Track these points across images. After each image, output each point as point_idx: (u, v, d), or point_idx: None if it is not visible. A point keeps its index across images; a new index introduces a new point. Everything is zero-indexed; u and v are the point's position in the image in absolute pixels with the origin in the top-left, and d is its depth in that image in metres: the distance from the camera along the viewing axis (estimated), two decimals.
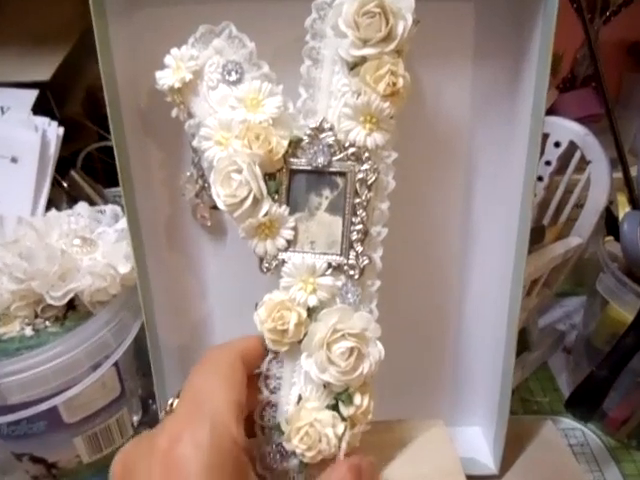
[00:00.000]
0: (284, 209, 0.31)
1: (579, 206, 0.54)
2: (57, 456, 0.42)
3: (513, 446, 0.46)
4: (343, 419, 0.30)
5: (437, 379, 0.46)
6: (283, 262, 0.31)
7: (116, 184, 0.38)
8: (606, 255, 0.47)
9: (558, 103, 0.66)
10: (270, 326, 0.30)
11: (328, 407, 0.30)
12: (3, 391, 0.37)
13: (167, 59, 0.32)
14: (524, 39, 0.35)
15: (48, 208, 0.52)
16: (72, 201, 0.59)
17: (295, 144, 0.31)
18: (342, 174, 0.31)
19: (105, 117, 0.35)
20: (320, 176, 0.31)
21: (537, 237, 0.50)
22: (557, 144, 0.53)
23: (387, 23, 0.28)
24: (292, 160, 0.31)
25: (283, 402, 0.31)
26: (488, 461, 0.45)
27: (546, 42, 0.33)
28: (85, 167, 0.66)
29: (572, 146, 0.52)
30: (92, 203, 0.60)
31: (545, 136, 0.54)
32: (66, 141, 0.67)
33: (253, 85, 0.31)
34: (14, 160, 0.50)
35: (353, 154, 0.30)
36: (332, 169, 0.31)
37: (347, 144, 0.30)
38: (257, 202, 0.30)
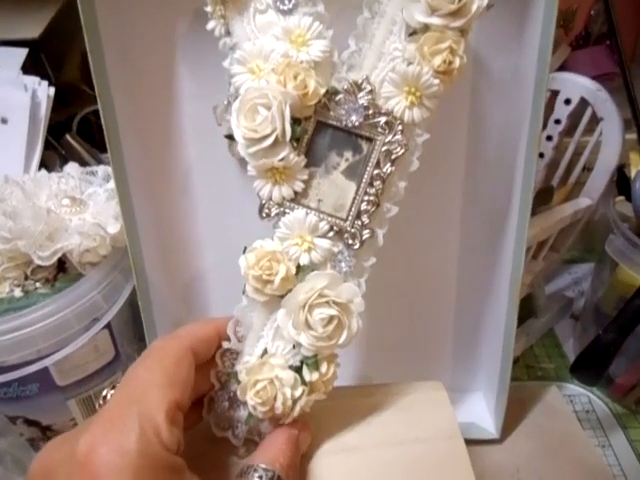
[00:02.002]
0: (301, 159, 0.29)
1: (589, 169, 0.52)
2: (51, 419, 0.42)
3: (516, 411, 0.45)
4: (303, 383, 0.29)
5: (438, 344, 0.45)
6: (284, 212, 0.30)
7: None
8: (616, 215, 0.45)
9: (571, 60, 0.63)
10: (256, 273, 0.29)
11: (291, 368, 0.29)
12: None
13: None
14: None
15: (40, 171, 0.50)
16: (66, 164, 0.58)
17: (330, 95, 0.29)
18: (369, 140, 0.29)
19: None
20: (346, 135, 0.30)
21: (545, 198, 0.48)
22: (567, 101, 0.51)
23: None
24: (323, 111, 0.29)
25: (246, 352, 0.31)
26: (489, 425, 0.44)
27: None
28: (81, 132, 0.65)
29: (583, 103, 0.50)
30: (88, 167, 0.59)
31: (555, 93, 0.51)
32: (63, 105, 0.65)
33: (304, 21, 0.29)
34: (4, 121, 0.49)
35: (387, 123, 0.29)
36: (361, 132, 0.29)
37: (383, 110, 0.29)
38: (277, 144, 0.28)
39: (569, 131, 0.53)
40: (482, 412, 0.45)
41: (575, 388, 0.51)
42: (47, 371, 0.39)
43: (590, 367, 0.43)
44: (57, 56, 0.63)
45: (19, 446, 0.42)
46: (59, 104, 0.61)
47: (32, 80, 0.50)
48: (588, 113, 0.50)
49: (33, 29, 0.53)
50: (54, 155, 0.57)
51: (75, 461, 0.21)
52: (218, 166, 0.40)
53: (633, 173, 0.45)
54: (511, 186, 0.37)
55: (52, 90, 0.51)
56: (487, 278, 0.41)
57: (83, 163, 0.59)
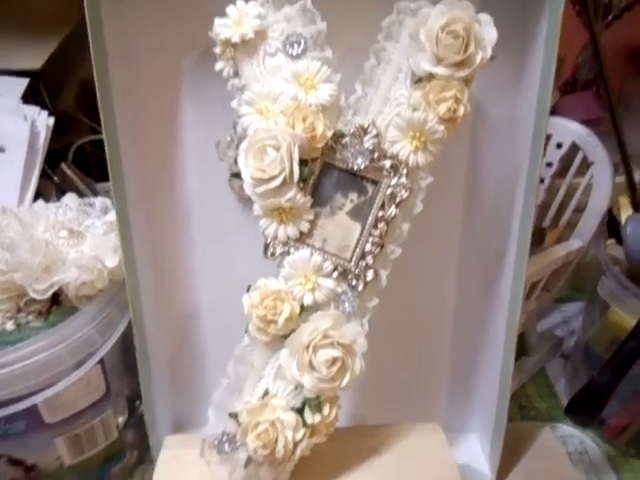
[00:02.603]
0: (308, 199, 0.30)
1: (580, 210, 0.53)
2: (37, 458, 0.40)
3: (510, 453, 0.44)
4: (305, 425, 0.29)
5: (434, 384, 0.45)
6: (289, 252, 0.30)
7: (107, 178, 0.37)
8: (608, 258, 0.46)
9: (559, 106, 0.65)
10: (261, 313, 0.29)
11: (293, 409, 0.29)
12: None
13: (230, 9, 0.30)
14: (528, 40, 0.34)
15: (37, 200, 0.50)
16: (62, 194, 0.57)
17: (337, 138, 0.30)
18: (374, 182, 0.30)
19: (99, 110, 0.33)
20: (352, 177, 0.30)
21: (537, 240, 0.49)
22: (559, 145, 0.52)
23: (467, 49, 0.28)
24: (329, 153, 0.30)
25: (246, 392, 0.31)
26: (484, 468, 0.43)
27: (552, 41, 0.32)
28: (77, 161, 0.65)
29: (574, 147, 0.52)
30: (83, 197, 0.59)
31: (547, 137, 0.53)
32: (59, 134, 0.65)
33: (313, 65, 0.29)
34: (1, 149, 0.49)
35: (392, 166, 0.30)
36: (366, 174, 0.30)
37: (389, 154, 0.30)
38: (285, 184, 0.29)
39: (560, 173, 0.54)
40: (477, 454, 0.45)
41: (568, 429, 0.51)
42: (36, 408, 0.37)
43: (584, 409, 0.43)
44: (55, 85, 0.64)
45: None
46: (55, 132, 0.61)
47: (32, 110, 0.50)
48: (579, 157, 0.52)
49: (35, 60, 0.53)
50: (49, 184, 0.56)
51: None
52: (218, 202, 0.40)
53: (623, 217, 0.46)
54: (508, 228, 0.38)
55: (51, 120, 0.51)
56: (483, 320, 0.42)
57: (78, 193, 0.59)
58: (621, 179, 0.49)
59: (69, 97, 0.69)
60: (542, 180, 0.54)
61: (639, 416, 0.48)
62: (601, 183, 0.50)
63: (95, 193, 0.60)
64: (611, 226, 0.48)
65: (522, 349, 0.56)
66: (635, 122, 0.68)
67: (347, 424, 0.41)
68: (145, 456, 0.48)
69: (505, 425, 0.41)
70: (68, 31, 0.57)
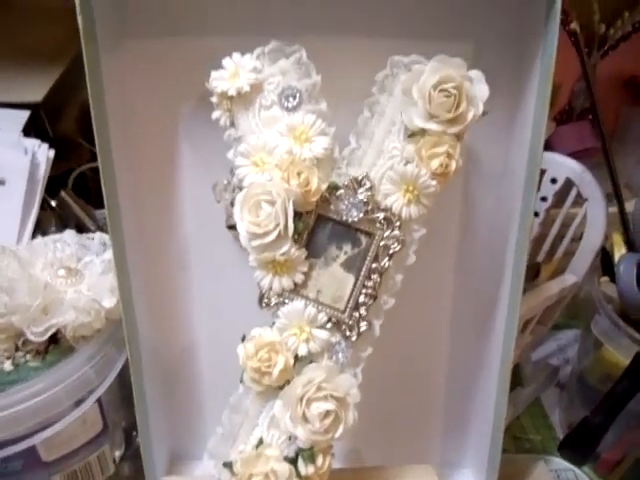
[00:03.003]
0: (302, 252, 0.30)
1: (576, 240, 0.54)
2: None
3: None
4: (298, 476, 0.29)
5: (428, 420, 0.45)
6: (284, 303, 0.31)
7: None
8: (601, 296, 0.46)
9: (555, 136, 0.66)
10: (255, 365, 0.29)
11: (287, 459, 0.30)
12: None
13: (226, 61, 0.31)
14: (523, 78, 0.35)
15: (36, 230, 0.50)
16: (61, 223, 0.58)
17: (331, 190, 0.30)
18: (368, 234, 0.30)
19: None
20: (346, 229, 0.31)
21: (531, 274, 0.49)
22: (554, 180, 0.53)
23: (458, 107, 0.28)
24: (323, 205, 0.30)
25: (240, 440, 0.31)
26: None
27: (545, 81, 0.32)
28: (78, 187, 0.65)
29: (569, 183, 0.52)
30: (81, 224, 0.59)
31: (541, 172, 0.53)
32: (59, 160, 0.66)
33: (308, 119, 0.30)
34: (1, 182, 0.49)
35: (385, 218, 0.30)
36: (360, 226, 0.30)
37: (382, 206, 0.30)
38: (279, 238, 0.29)
39: (555, 206, 0.55)
40: None
41: (561, 462, 0.52)
42: (33, 448, 0.38)
43: (578, 448, 0.43)
44: (55, 112, 0.64)
45: None
46: (55, 158, 0.61)
47: (32, 143, 0.51)
48: (573, 193, 0.52)
49: (36, 92, 0.54)
50: (49, 213, 0.57)
51: None
52: (215, 242, 0.40)
53: (616, 255, 0.47)
54: (501, 273, 0.38)
55: (52, 152, 0.51)
56: (477, 358, 0.42)
57: (77, 220, 0.60)
58: (614, 209, 0.50)
59: (69, 122, 0.69)
60: (537, 214, 0.55)
61: (633, 451, 0.48)
62: (595, 219, 0.50)
63: (94, 220, 0.60)
64: (605, 263, 0.48)
65: (517, 380, 0.56)
66: (631, 151, 0.69)
67: (342, 463, 0.42)
68: None
69: (499, 460, 0.41)
70: (68, 62, 0.57)
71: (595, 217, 0.50)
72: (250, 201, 0.29)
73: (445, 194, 0.37)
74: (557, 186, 0.52)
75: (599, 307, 0.45)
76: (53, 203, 0.61)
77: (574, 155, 0.55)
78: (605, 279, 0.48)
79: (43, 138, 0.53)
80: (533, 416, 0.57)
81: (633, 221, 0.47)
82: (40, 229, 0.53)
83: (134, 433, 0.48)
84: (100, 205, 0.62)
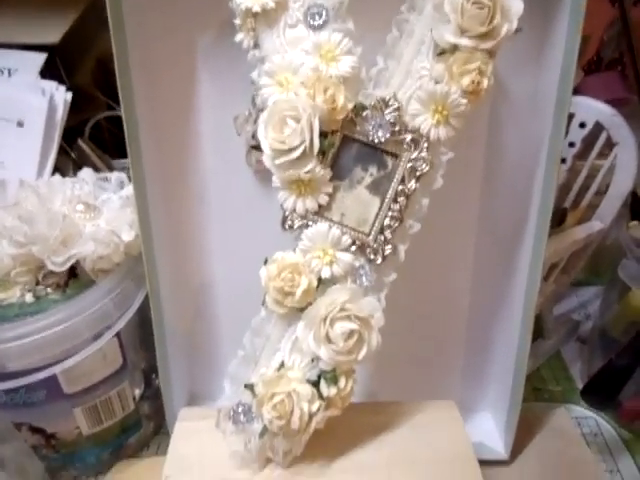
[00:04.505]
0: (327, 172, 0.29)
1: (602, 192, 0.52)
2: (56, 427, 0.41)
3: (524, 432, 0.44)
4: (321, 398, 0.29)
5: (448, 362, 0.45)
6: (307, 225, 0.30)
7: (124, 155, 0.36)
8: (630, 240, 0.45)
9: (583, 85, 0.63)
10: (278, 285, 0.29)
11: (309, 382, 0.29)
12: (1, 357, 0.36)
13: None
14: (552, 13, 0.33)
15: (54, 175, 0.50)
16: (79, 170, 0.57)
17: (357, 110, 0.29)
18: (395, 156, 0.30)
19: (115, 87, 0.33)
20: (372, 150, 0.30)
21: (558, 220, 0.48)
22: (582, 125, 0.51)
23: (492, 20, 0.27)
24: (349, 126, 0.30)
25: (262, 363, 0.31)
26: (498, 446, 0.43)
27: (576, 14, 0.31)
28: (93, 137, 0.65)
29: (598, 127, 0.50)
30: (99, 172, 0.59)
31: (570, 116, 0.52)
32: (75, 110, 0.65)
33: (334, 37, 0.29)
34: (20, 124, 0.49)
35: (413, 140, 0.29)
36: (386, 148, 0.30)
37: (410, 127, 0.29)
38: (304, 156, 0.28)
39: (583, 154, 0.53)
40: (491, 432, 0.44)
41: (582, 411, 0.51)
42: (55, 378, 0.38)
43: (601, 392, 0.42)
44: (71, 61, 0.64)
45: (23, 453, 0.41)
46: (71, 109, 0.61)
47: (50, 85, 0.50)
48: (603, 137, 0.50)
49: (53, 34, 0.53)
50: (67, 160, 0.57)
51: None
52: (234, 177, 0.40)
53: None
54: (528, 207, 0.37)
55: (69, 95, 0.51)
56: (500, 299, 0.41)
57: (95, 168, 0.59)
58: None
59: (85, 73, 0.69)
60: (564, 160, 0.53)
61: None
62: (625, 164, 0.48)
63: (111, 169, 0.60)
64: (634, 208, 0.47)
65: (538, 332, 0.56)
66: None
67: (362, 401, 0.42)
68: (161, 427, 0.49)
69: (520, 404, 0.41)
70: (85, 6, 0.56)
71: (625, 162, 0.48)
72: (275, 117, 0.28)
73: (471, 122, 0.36)
74: (586, 130, 0.50)
75: (627, 250, 0.44)
76: (72, 153, 0.61)
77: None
78: (634, 223, 0.46)
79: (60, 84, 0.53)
80: (554, 368, 0.56)
81: None
82: (58, 175, 0.53)
83: (153, 375, 0.48)
84: (116, 154, 0.63)
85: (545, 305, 0.53)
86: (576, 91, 0.63)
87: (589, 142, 0.52)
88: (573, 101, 0.51)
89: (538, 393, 0.54)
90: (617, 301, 0.50)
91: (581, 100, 0.51)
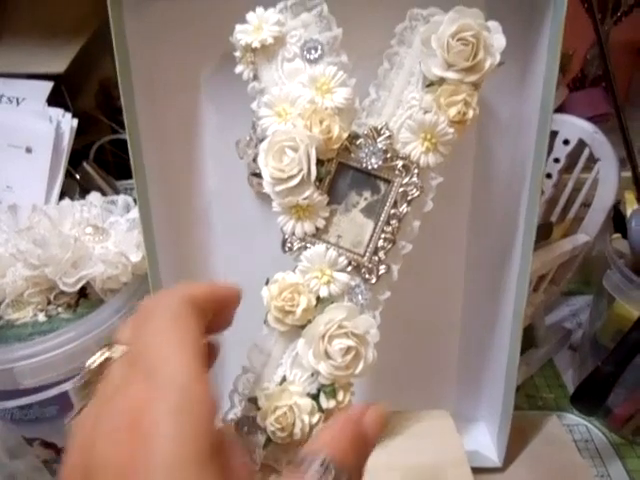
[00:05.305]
0: (324, 197, 0.31)
1: (587, 205, 0.54)
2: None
3: (517, 440, 0.46)
4: (320, 410, 0.31)
5: (443, 373, 0.47)
6: (306, 247, 0.32)
7: (128, 177, 0.38)
8: (613, 252, 0.47)
9: (568, 102, 0.66)
10: (279, 304, 0.30)
11: (309, 395, 0.31)
12: (16, 375, 0.38)
13: (249, 16, 0.32)
14: (533, 44, 0.35)
15: (61, 199, 0.52)
16: (84, 193, 0.59)
17: (351, 139, 0.31)
18: (387, 181, 0.31)
19: (118, 110, 0.35)
20: (365, 176, 0.32)
21: (545, 234, 0.50)
22: (566, 142, 0.53)
23: (476, 55, 0.29)
24: (344, 153, 0.31)
25: (265, 378, 0.32)
26: (492, 454, 0.45)
27: (555, 39, 0.33)
28: (97, 160, 0.67)
29: (581, 144, 0.53)
30: (104, 195, 0.61)
31: (554, 133, 0.54)
32: (79, 134, 0.68)
33: (329, 70, 0.31)
34: (29, 150, 0.51)
35: (404, 166, 0.31)
36: (379, 174, 0.31)
37: (401, 154, 0.31)
38: (302, 183, 0.30)
39: (568, 169, 0.55)
40: (485, 441, 0.46)
41: (574, 418, 0.53)
42: (66, 395, 0.40)
43: (589, 398, 0.44)
44: (75, 86, 0.66)
45: (34, 468, 0.42)
46: (76, 133, 0.63)
47: (56, 112, 0.52)
48: (586, 153, 0.53)
49: (59, 63, 0.56)
50: (73, 183, 0.59)
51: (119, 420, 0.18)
52: (237, 198, 0.42)
53: (628, 212, 0.47)
54: (515, 223, 0.39)
55: (75, 122, 0.53)
56: (491, 311, 0.43)
57: (100, 190, 0.61)
58: (627, 174, 0.50)
59: (89, 97, 0.71)
60: (550, 175, 0.55)
61: None
62: (607, 178, 0.51)
63: (116, 190, 0.62)
64: (617, 220, 0.49)
65: (530, 341, 0.57)
66: None
67: None
68: None
69: (512, 413, 0.42)
70: (89, 35, 0.59)
71: (607, 176, 0.51)
72: (274, 147, 0.30)
73: (460, 146, 0.39)
74: (570, 147, 0.53)
75: (611, 262, 0.46)
76: (77, 175, 0.63)
77: (587, 121, 0.55)
78: (617, 236, 0.49)
79: (66, 111, 0.55)
80: (546, 376, 0.58)
81: None
82: (65, 198, 0.55)
83: None
84: (121, 177, 0.64)
85: (536, 315, 0.55)
86: (562, 107, 0.67)
87: (573, 158, 0.54)
88: (557, 119, 0.54)
89: (531, 400, 0.55)
90: (605, 309, 0.52)
91: (564, 118, 0.53)
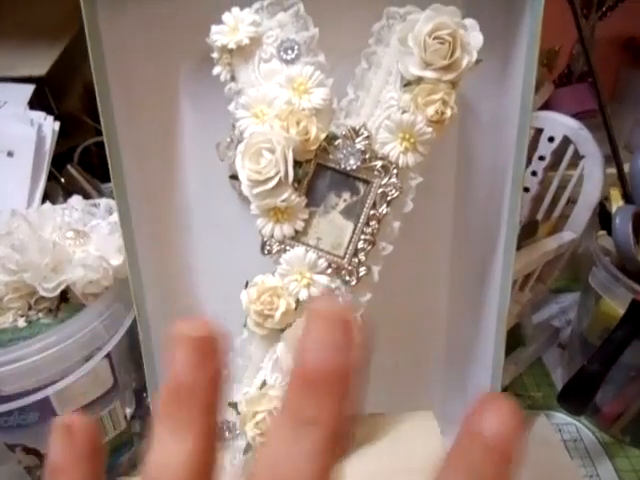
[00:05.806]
0: (302, 199, 0.31)
1: (572, 202, 0.54)
2: None
3: None
4: None
5: (428, 374, 0.46)
6: (285, 250, 0.32)
7: None
8: (599, 249, 0.47)
9: (554, 98, 0.66)
10: (258, 308, 0.30)
11: None
12: None
13: (226, 16, 0.31)
14: (511, 41, 0.35)
15: (44, 202, 0.52)
16: (68, 195, 0.59)
17: (329, 140, 0.31)
18: (366, 182, 0.31)
19: None
20: (344, 178, 0.32)
21: (530, 232, 0.50)
22: (551, 139, 0.53)
23: (453, 54, 0.29)
24: (322, 155, 0.31)
25: (245, 383, 0.32)
26: None
27: (533, 36, 0.33)
28: (82, 162, 0.67)
29: (566, 141, 0.52)
30: (88, 197, 0.61)
31: (539, 131, 0.54)
32: (64, 136, 0.67)
33: (306, 70, 0.31)
34: (10, 154, 0.51)
35: (383, 166, 0.31)
36: (358, 174, 0.31)
37: (379, 155, 0.31)
38: (280, 185, 0.30)
39: (553, 166, 0.55)
40: None
41: (563, 417, 0.53)
42: (48, 400, 0.39)
43: (576, 397, 0.44)
44: (59, 88, 0.65)
45: (17, 474, 0.42)
46: (60, 135, 0.63)
47: (38, 115, 0.52)
48: (570, 150, 0.53)
49: (40, 66, 0.55)
50: (56, 186, 0.58)
51: None
52: (218, 200, 0.41)
53: (614, 209, 0.47)
54: (497, 221, 0.39)
55: (57, 125, 0.53)
56: (476, 311, 0.43)
57: (84, 193, 0.61)
58: (612, 170, 0.50)
59: (73, 99, 0.71)
60: (535, 173, 0.55)
61: (633, 403, 0.49)
62: (592, 176, 0.51)
63: (100, 193, 0.62)
64: (602, 218, 0.49)
65: (519, 340, 0.57)
66: (630, 112, 0.69)
67: None
68: None
69: None
70: (71, 37, 0.58)
71: (592, 173, 0.50)
72: (251, 149, 0.30)
73: (441, 145, 0.38)
74: (554, 144, 0.53)
75: (596, 259, 0.46)
76: (61, 178, 0.62)
77: (574, 117, 0.55)
78: (602, 233, 0.48)
79: (48, 113, 0.55)
80: (535, 375, 0.58)
81: (631, 178, 0.48)
82: (48, 201, 0.54)
83: (144, 394, 0.49)
84: (105, 179, 0.64)
85: (524, 313, 0.55)
86: (548, 104, 0.66)
87: (558, 155, 0.54)
88: (542, 116, 0.54)
89: (520, 399, 0.55)
90: (592, 307, 0.52)
91: (549, 115, 0.53)
